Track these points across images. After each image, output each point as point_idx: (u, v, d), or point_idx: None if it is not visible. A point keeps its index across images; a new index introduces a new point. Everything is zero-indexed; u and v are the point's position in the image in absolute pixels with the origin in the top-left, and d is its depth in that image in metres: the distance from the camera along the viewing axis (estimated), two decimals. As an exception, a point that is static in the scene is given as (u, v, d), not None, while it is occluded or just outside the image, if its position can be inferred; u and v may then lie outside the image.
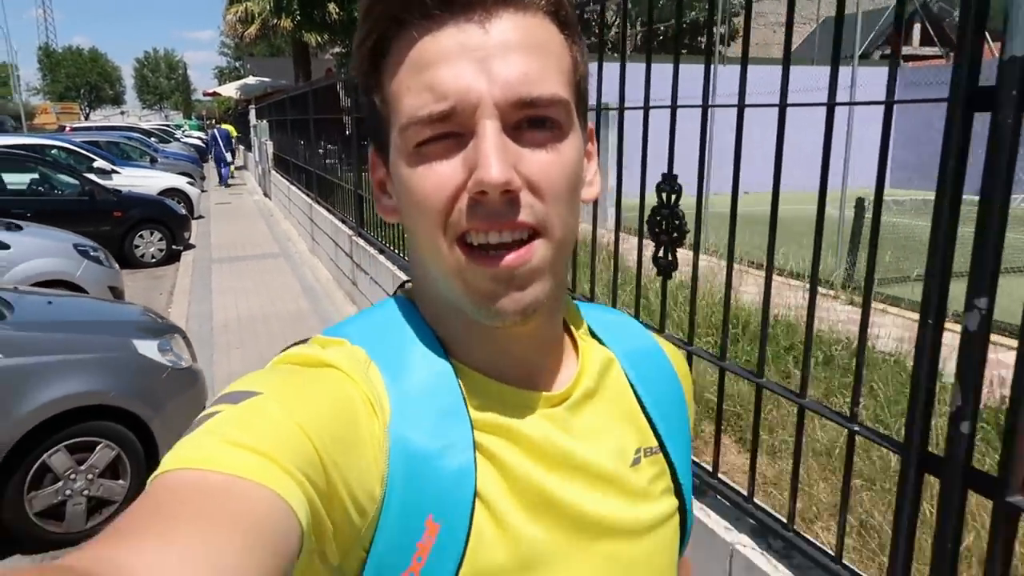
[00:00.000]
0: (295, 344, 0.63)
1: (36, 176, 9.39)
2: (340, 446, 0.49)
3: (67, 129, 24.69)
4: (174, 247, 10.20)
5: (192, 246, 10.77)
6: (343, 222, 7.55)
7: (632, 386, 0.69)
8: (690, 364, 1.87)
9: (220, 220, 13.65)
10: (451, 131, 0.53)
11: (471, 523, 0.54)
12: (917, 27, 21.26)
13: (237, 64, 44.57)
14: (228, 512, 0.40)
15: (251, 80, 24.89)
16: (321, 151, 8.76)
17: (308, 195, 10.09)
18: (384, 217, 0.64)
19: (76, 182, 9.55)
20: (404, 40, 0.54)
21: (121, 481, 3.58)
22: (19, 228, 6.39)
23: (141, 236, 9.87)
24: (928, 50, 20.33)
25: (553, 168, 0.54)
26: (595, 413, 0.64)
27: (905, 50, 16.55)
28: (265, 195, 16.72)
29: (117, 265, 6.99)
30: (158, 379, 3.75)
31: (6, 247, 5.86)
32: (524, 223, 0.53)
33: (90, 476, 3.48)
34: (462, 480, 0.54)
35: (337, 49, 23.72)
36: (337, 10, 20.03)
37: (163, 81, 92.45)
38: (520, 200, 0.53)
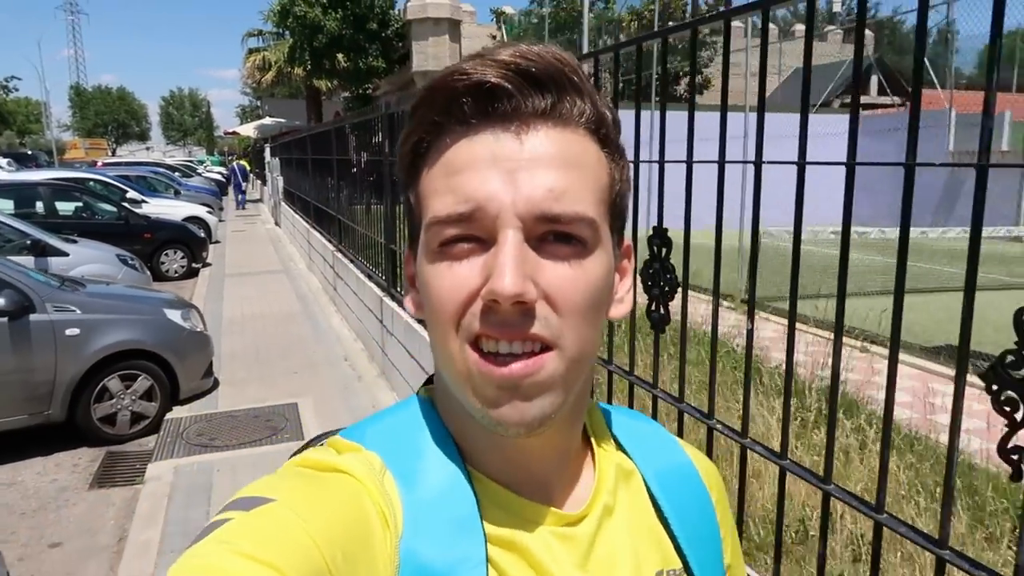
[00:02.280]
0: (308, 444, 0.63)
1: (80, 204, 11.28)
2: (349, 560, 0.48)
3: (99, 164, 26.91)
4: (194, 265, 12.04)
5: (209, 264, 12.60)
6: (329, 241, 9.31)
7: (654, 501, 0.66)
8: (681, 425, 1.84)
9: (234, 244, 15.53)
10: (473, 234, 0.53)
11: None
12: (874, 78, 23.08)
13: (257, 103, 47.04)
14: None
15: (267, 121, 27.05)
16: (316, 185, 10.58)
17: (307, 221, 11.91)
18: (411, 312, 0.63)
19: (114, 209, 11.44)
20: (441, 144, 0.55)
21: (153, 403, 5.28)
22: (74, 241, 8.22)
23: (166, 255, 11.72)
24: (884, 99, 22.10)
25: (573, 284, 0.53)
26: (613, 533, 0.62)
27: (864, 99, 18.29)
28: (276, 224, 18.61)
29: (148, 273, 8.80)
30: (180, 336, 5.49)
31: (66, 255, 7.67)
32: (536, 335, 0.52)
33: (133, 397, 5.19)
34: None
35: (346, 94, 25.85)
36: (344, 59, 22.14)
37: (187, 118, 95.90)
38: (535, 312, 0.52)
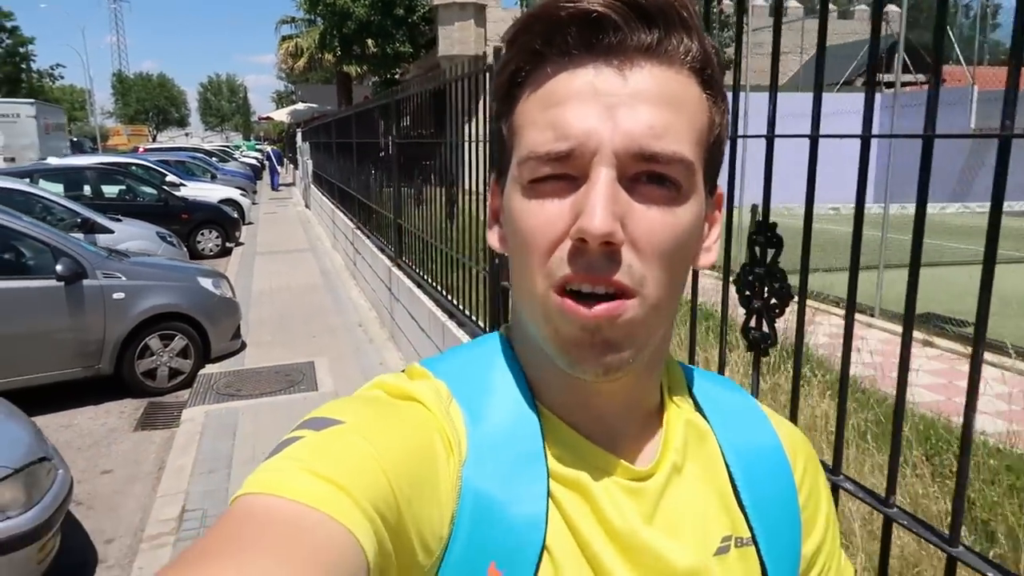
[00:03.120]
0: (386, 375, 0.62)
1: (123, 187, 12.11)
2: (415, 484, 0.49)
3: (140, 150, 28.03)
4: (227, 244, 12.83)
5: (242, 244, 13.39)
6: (350, 220, 9.98)
7: (728, 467, 0.63)
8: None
9: (266, 225, 16.34)
10: (567, 173, 0.52)
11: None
12: (898, 56, 22.84)
13: (292, 89, 48.01)
14: (301, 545, 0.41)
15: (300, 106, 27.90)
16: (340, 167, 11.24)
17: (332, 203, 12.60)
18: (493, 246, 0.62)
19: (154, 191, 12.26)
20: (540, 74, 0.54)
21: (188, 360, 5.99)
22: (119, 220, 9.00)
23: (202, 234, 12.52)
24: (907, 76, 21.99)
25: (662, 229, 0.52)
26: (682, 492, 0.60)
27: (888, 77, 18.33)
28: (306, 206, 19.40)
29: (185, 249, 9.56)
30: (212, 302, 6.19)
31: (111, 232, 8.45)
32: (619, 283, 0.51)
33: (171, 354, 5.90)
34: (532, 530, 0.52)
35: (375, 79, 26.53)
36: (373, 45, 22.77)
37: (225, 104, 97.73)
38: (621, 256, 0.51)
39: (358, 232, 9.01)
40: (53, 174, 11.42)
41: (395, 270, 6.35)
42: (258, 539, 0.41)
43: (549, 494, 0.54)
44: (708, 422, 0.65)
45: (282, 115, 29.83)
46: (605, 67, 0.52)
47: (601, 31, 0.51)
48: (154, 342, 5.81)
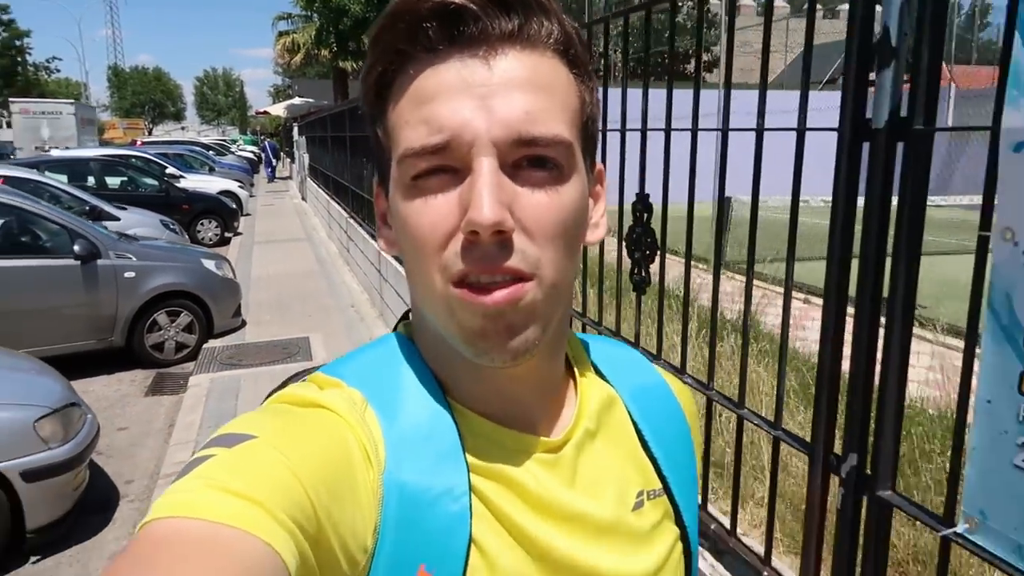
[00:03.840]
0: (291, 379, 0.63)
1: (125, 178, 12.60)
2: (333, 494, 0.48)
3: (138, 143, 28.49)
4: (226, 234, 13.35)
5: (240, 233, 13.92)
6: (344, 209, 10.50)
7: (635, 424, 0.67)
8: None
9: (264, 217, 16.86)
10: (447, 164, 0.52)
11: (465, 571, 0.53)
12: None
13: (289, 83, 48.35)
14: (218, 563, 0.40)
15: (297, 101, 28.31)
16: (335, 160, 11.76)
17: (327, 194, 13.12)
18: (384, 249, 0.63)
19: (155, 183, 12.77)
20: (407, 73, 0.54)
21: (193, 335, 6.52)
22: (124, 209, 9.52)
23: (202, 224, 13.03)
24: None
25: (549, 211, 0.53)
26: (595, 456, 0.63)
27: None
28: (302, 199, 19.91)
29: (187, 237, 10.09)
30: (215, 281, 6.74)
31: (118, 219, 8.96)
32: (514, 268, 0.52)
33: (177, 329, 6.44)
34: (457, 527, 0.53)
35: (369, 74, 26.91)
36: (368, 41, 23.20)
37: (221, 98, 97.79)
38: (512, 243, 0.52)
39: (351, 220, 9.54)
40: (58, 165, 11.91)
41: (384, 253, 6.89)
42: (171, 563, 0.39)
43: (471, 488, 0.55)
44: (609, 382, 0.68)
45: (279, 110, 30.27)
46: (470, 58, 0.52)
47: (462, 22, 0.52)
48: (162, 318, 6.35)
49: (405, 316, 0.67)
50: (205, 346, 6.55)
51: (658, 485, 0.66)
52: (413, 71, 0.53)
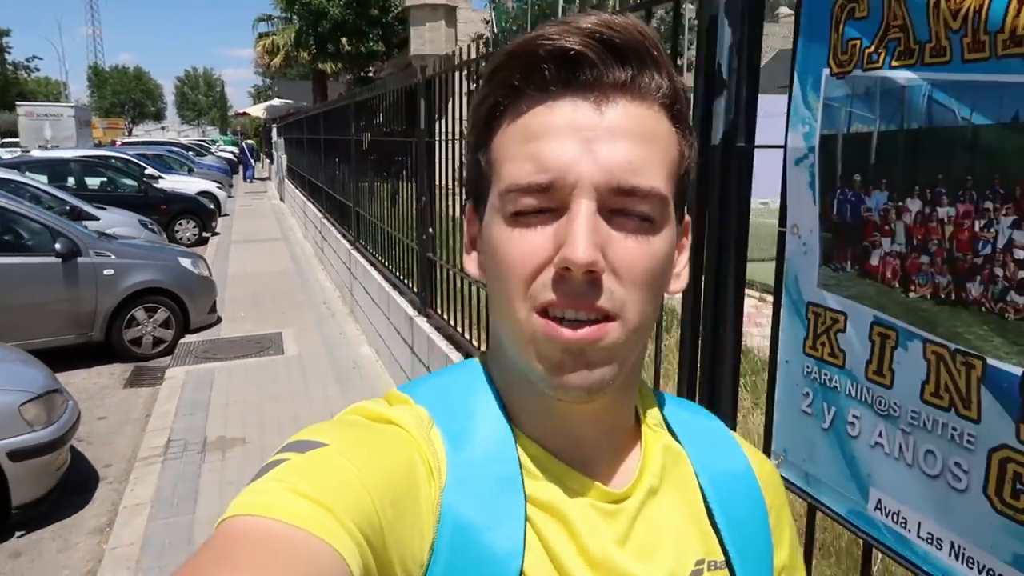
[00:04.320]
0: (364, 402, 0.63)
1: (104, 179, 12.78)
2: (397, 507, 0.50)
3: (118, 143, 28.49)
4: (204, 233, 13.55)
5: (218, 233, 14.14)
6: (319, 210, 10.78)
7: (702, 490, 0.65)
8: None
9: (241, 217, 17.07)
10: (548, 206, 0.54)
11: None
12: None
13: (270, 83, 48.35)
14: (291, 563, 0.42)
15: (276, 102, 28.46)
16: (311, 162, 12.02)
17: (303, 195, 13.37)
18: (469, 273, 0.64)
19: (134, 183, 12.96)
20: (518, 108, 0.56)
21: (170, 330, 6.79)
22: (104, 209, 9.73)
23: (180, 223, 13.23)
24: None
25: (640, 259, 0.54)
26: (656, 515, 0.62)
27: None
28: (280, 200, 20.10)
29: (165, 236, 10.31)
30: (191, 279, 7.00)
31: (97, 219, 9.18)
32: (601, 307, 0.53)
33: (155, 325, 6.70)
34: (509, 557, 0.53)
35: (348, 76, 27.23)
36: (347, 44, 23.48)
37: (202, 98, 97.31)
38: (602, 283, 0.53)
39: (325, 221, 9.81)
40: (38, 166, 12.08)
41: (354, 252, 7.20)
42: (249, 558, 0.42)
43: (527, 518, 0.55)
44: (682, 446, 0.67)
45: (259, 110, 30.41)
46: (582, 102, 0.53)
47: (578, 68, 0.53)
48: (140, 313, 6.60)
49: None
50: (181, 341, 6.81)
51: (721, 558, 0.63)
52: (525, 107, 0.56)
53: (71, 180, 12.12)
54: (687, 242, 0.66)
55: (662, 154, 0.56)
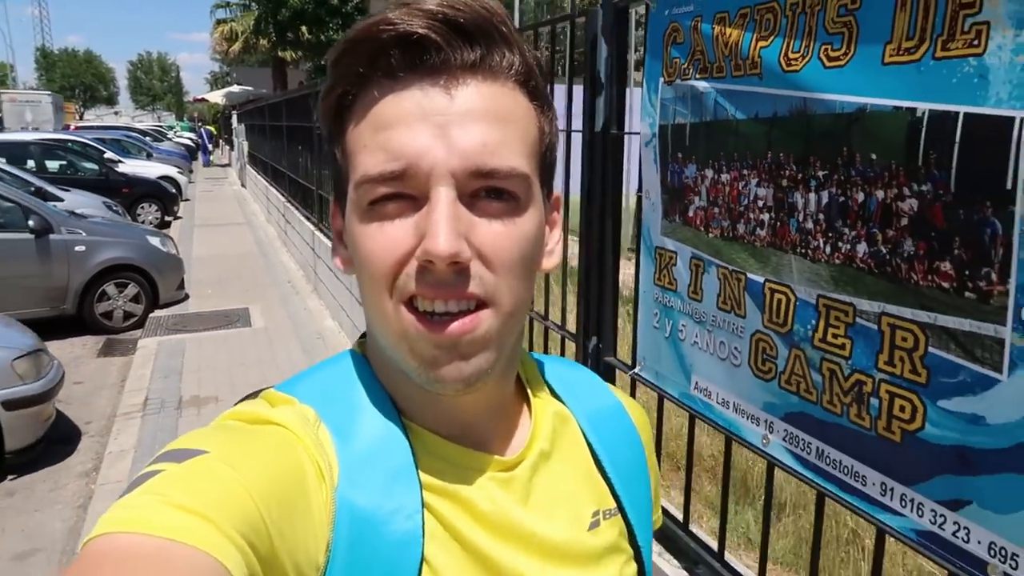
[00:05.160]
0: (244, 399, 0.62)
1: (64, 162, 12.90)
2: (285, 511, 0.48)
3: (72, 127, 28.15)
4: (166, 217, 13.76)
5: (180, 217, 14.35)
6: (282, 194, 11.14)
7: (590, 445, 0.68)
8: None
9: (203, 202, 17.25)
10: (404, 192, 0.52)
11: None
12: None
13: (227, 70, 47.82)
14: None
15: (235, 88, 28.38)
16: (273, 148, 12.34)
17: (266, 180, 13.67)
18: (339, 267, 0.62)
19: (95, 167, 13.11)
20: (367, 97, 0.54)
21: (140, 305, 7.16)
22: (67, 190, 9.97)
23: (142, 207, 13.41)
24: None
25: (506, 240, 0.54)
26: (550, 476, 0.63)
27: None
28: (242, 186, 20.26)
29: (129, 217, 10.57)
30: (160, 256, 7.38)
31: (61, 200, 9.41)
32: (471, 294, 0.52)
33: (125, 299, 7.07)
34: (408, 546, 0.53)
35: (309, 65, 27.33)
36: (308, 32, 23.63)
37: (156, 83, 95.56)
38: (470, 271, 0.52)
39: (289, 204, 10.20)
40: (-2, 148, 12.19)
41: (318, 234, 7.63)
42: None
43: (424, 505, 0.55)
44: (564, 404, 0.69)
45: (217, 96, 30.28)
46: (431, 87, 0.52)
47: (424, 52, 0.52)
48: (111, 288, 6.97)
49: (362, 336, 0.67)
50: (151, 315, 7.18)
51: (613, 505, 0.67)
52: (373, 96, 0.54)
53: (31, 163, 12.22)
54: (558, 216, 0.66)
55: (520, 132, 0.55)
